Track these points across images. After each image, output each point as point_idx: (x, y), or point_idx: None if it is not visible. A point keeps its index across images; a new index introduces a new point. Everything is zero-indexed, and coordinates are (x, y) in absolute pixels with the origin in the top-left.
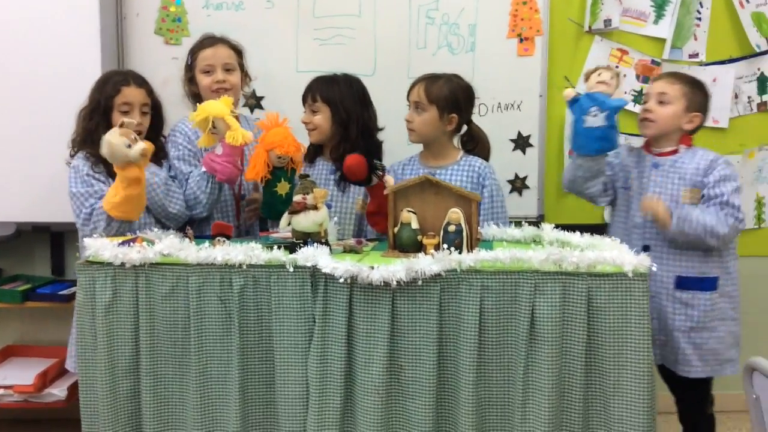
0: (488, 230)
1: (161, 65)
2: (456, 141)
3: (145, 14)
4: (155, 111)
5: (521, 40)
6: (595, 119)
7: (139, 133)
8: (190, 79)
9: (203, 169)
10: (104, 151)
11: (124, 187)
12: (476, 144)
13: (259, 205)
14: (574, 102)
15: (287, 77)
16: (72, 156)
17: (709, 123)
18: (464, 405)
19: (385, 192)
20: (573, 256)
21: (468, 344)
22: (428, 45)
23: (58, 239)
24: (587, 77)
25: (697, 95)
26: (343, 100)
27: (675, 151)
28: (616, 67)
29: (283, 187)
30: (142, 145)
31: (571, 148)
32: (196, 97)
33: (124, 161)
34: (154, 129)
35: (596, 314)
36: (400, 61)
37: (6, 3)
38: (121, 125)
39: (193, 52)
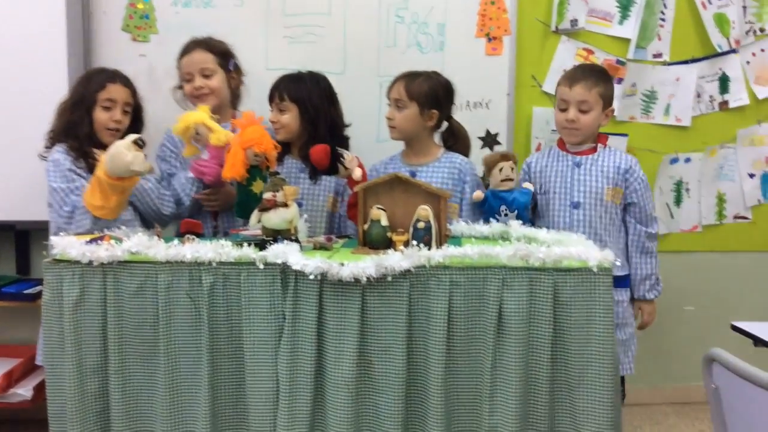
0: (457, 227)
1: (129, 62)
2: (437, 138)
3: (112, 11)
4: (136, 114)
5: (489, 40)
6: (507, 219)
7: (117, 131)
8: (181, 87)
9: (190, 174)
10: (136, 166)
11: (117, 194)
12: (456, 140)
13: (221, 197)
14: (483, 202)
15: (257, 75)
16: (48, 148)
17: (672, 121)
18: (433, 399)
19: (354, 189)
20: (540, 252)
21: (437, 339)
22: (398, 43)
23: (23, 238)
24: (489, 170)
25: (609, 89)
26: (311, 98)
27: (594, 150)
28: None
29: (258, 186)
30: (150, 165)
31: None
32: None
33: (130, 175)
34: (134, 131)
35: (562, 309)
36: (370, 59)
37: None
38: (135, 141)
39: (178, 59)
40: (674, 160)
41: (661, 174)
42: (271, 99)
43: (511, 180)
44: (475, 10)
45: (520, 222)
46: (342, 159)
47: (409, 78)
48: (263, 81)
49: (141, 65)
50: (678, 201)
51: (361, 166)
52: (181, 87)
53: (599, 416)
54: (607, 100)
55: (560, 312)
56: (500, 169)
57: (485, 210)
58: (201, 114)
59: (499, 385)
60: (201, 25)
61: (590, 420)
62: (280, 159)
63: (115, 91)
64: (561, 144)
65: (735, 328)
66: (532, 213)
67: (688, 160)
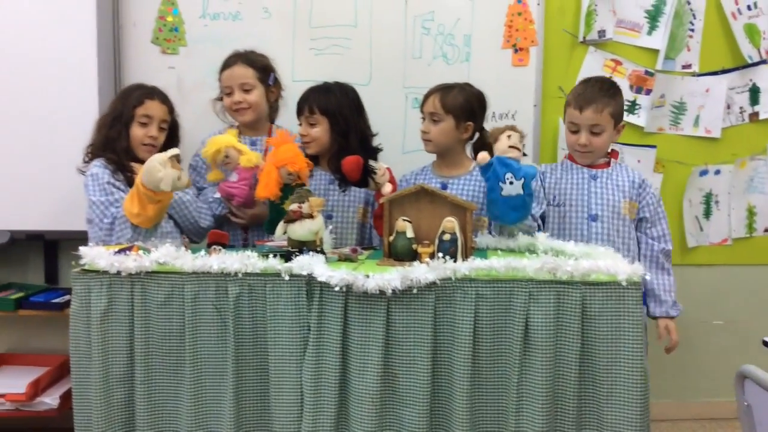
0: (483, 239)
1: (158, 74)
2: (468, 149)
3: (142, 24)
4: (172, 131)
5: (516, 51)
6: (512, 187)
7: (152, 147)
8: (221, 98)
9: (217, 194)
10: (165, 185)
11: (154, 204)
12: (489, 152)
13: (248, 218)
14: (488, 167)
15: (283, 87)
16: (86, 162)
17: (701, 133)
18: (458, 413)
19: (380, 201)
20: (567, 265)
21: (462, 352)
22: (424, 55)
23: (52, 247)
24: (495, 138)
25: (618, 105)
26: (341, 110)
27: (607, 165)
28: (610, 77)
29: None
30: (188, 179)
31: (488, 216)
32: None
33: (164, 189)
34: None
35: (590, 323)
36: (395, 70)
37: (3, 13)
38: (172, 157)
39: (219, 71)
40: (704, 172)
41: (691, 186)
42: (299, 112)
43: (518, 150)
44: (501, 21)
45: (525, 192)
46: (374, 173)
47: (444, 91)
48: (290, 92)
49: (170, 77)
50: (707, 214)
51: (392, 180)
52: (220, 99)
53: None
54: (618, 117)
55: (588, 326)
56: (508, 136)
57: (489, 177)
58: (230, 137)
59: (526, 399)
60: (229, 38)
61: None
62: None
63: (152, 107)
64: (572, 157)
65: (766, 344)
66: (542, 225)
67: (717, 172)
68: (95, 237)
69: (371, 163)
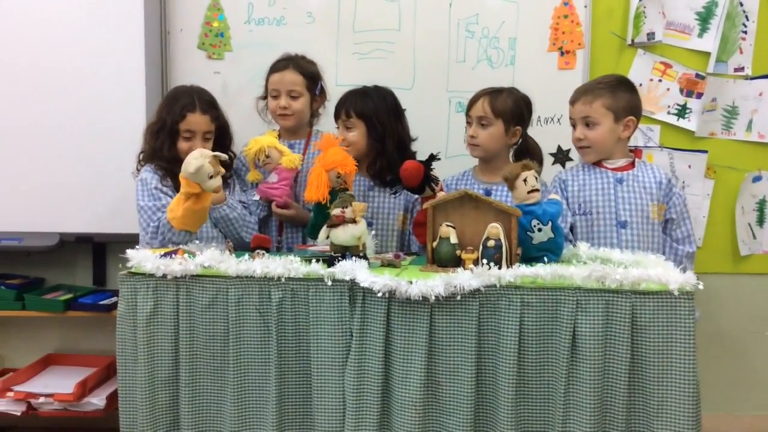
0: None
1: (204, 80)
2: (510, 154)
3: (188, 29)
4: (222, 131)
5: (562, 54)
6: (542, 234)
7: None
8: (264, 98)
9: (256, 197)
10: (190, 167)
11: (185, 200)
12: (532, 156)
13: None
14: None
15: (329, 97)
16: (139, 168)
17: (754, 138)
18: (503, 423)
19: (424, 206)
20: (617, 274)
21: (507, 361)
22: (467, 59)
23: (100, 250)
24: (512, 183)
25: (621, 98)
26: (377, 114)
27: (632, 165)
28: (659, 80)
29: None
30: (217, 184)
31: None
32: None
33: (197, 182)
34: (221, 149)
35: (640, 333)
36: (439, 74)
37: (53, 20)
38: (216, 156)
39: (268, 72)
40: (757, 179)
41: (743, 193)
42: (337, 116)
43: (538, 191)
44: (547, 24)
45: (554, 234)
46: (434, 182)
47: (493, 94)
48: (333, 97)
49: (215, 82)
50: (761, 221)
51: (442, 190)
52: (264, 98)
53: None
54: (619, 110)
55: (638, 337)
56: (525, 180)
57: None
58: (271, 138)
59: (573, 411)
60: (273, 43)
61: None
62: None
63: (193, 121)
64: (597, 163)
65: None
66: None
67: None
68: (142, 240)
69: (433, 173)
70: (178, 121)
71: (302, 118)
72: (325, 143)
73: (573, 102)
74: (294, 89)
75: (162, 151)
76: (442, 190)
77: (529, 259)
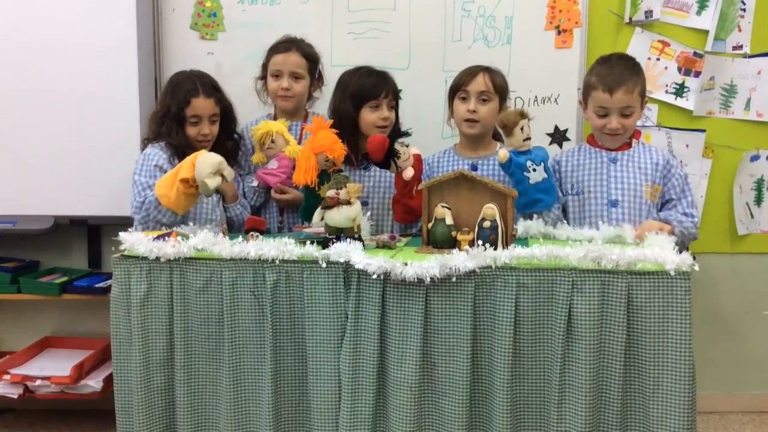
0: (562, 230)
1: (197, 60)
2: None
3: (180, 10)
4: (225, 113)
5: (559, 32)
6: (537, 174)
7: (209, 140)
8: (262, 77)
9: (254, 183)
10: (203, 170)
11: (183, 187)
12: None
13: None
14: (508, 163)
15: (325, 81)
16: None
17: (752, 117)
18: (499, 404)
19: (419, 187)
20: (612, 254)
21: (503, 342)
22: (464, 38)
23: (95, 232)
24: (510, 130)
25: (644, 81)
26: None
27: (629, 145)
28: (657, 59)
29: (325, 191)
30: (217, 184)
31: (520, 211)
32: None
33: (200, 184)
34: (225, 131)
35: (636, 313)
36: (434, 54)
37: (44, 3)
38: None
39: (269, 52)
40: (755, 158)
41: (741, 172)
42: (377, 96)
43: (530, 139)
44: (544, 2)
45: (547, 175)
46: (397, 156)
47: (490, 70)
48: (328, 77)
49: (209, 63)
50: (759, 200)
51: (418, 166)
52: (263, 78)
53: (675, 426)
54: (643, 95)
55: (634, 317)
56: (521, 128)
57: (512, 171)
58: (281, 125)
59: (568, 391)
60: (267, 23)
61: (665, 429)
62: (358, 162)
63: (198, 106)
64: (592, 140)
65: None
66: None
67: None
68: (131, 211)
69: (396, 146)
70: (183, 107)
71: (302, 100)
72: (316, 126)
73: (611, 91)
74: (297, 71)
75: (170, 136)
76: (418, 167)
77: (529, 203)
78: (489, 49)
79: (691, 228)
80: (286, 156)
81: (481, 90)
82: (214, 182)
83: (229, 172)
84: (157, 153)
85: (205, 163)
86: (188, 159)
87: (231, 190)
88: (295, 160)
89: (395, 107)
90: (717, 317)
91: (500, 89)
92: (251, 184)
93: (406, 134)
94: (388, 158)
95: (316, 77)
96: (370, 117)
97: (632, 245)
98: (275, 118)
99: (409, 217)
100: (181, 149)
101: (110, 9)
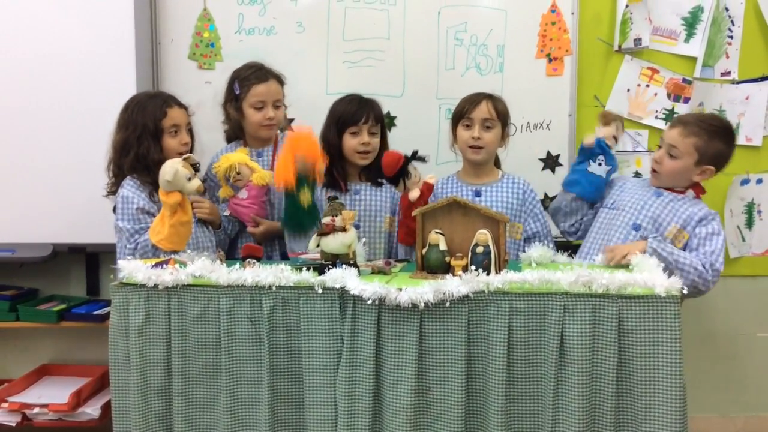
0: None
1: (195, 90)
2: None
3: (179, 40)
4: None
5: (550, 60)
6: (600, 168)
7: (191, 151)
8: (237, 108)
9: (226, 211)
10: (167, 175)
11: (170, 215)
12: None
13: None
14: (589, 146)
15: (317, 100)
16: (112, 183)
17: (742, 141)
18: (493, 427)
19: (413, 214)
20: (603, 278)
21: (497, 366)
22: (457, 66)
23: (93, 260)
24: (607, 120)
25: (713, 146)
26: (383, 120)
27: (682, 192)
28: (646, 86)
29: (305, 197)
30: (198, 183)
31: (565, 185)
32: (235, 124)
33: (177, 189)
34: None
35: (627, 336)
36: (428, 82)
37: (43, 31)
38: (187, 158)
39: (244, 82)
40: (745, 182)
41: (732, 196)
42: (357, 121)
43: (617, 140)
44: (535, 31)
45: (605, 177)
46: (407, 177)
47: (492, 97)
48: (323, 105)
49: (207, 92)
50: (750, 223)
51: (426, 190)
52: (236, 103)
53: None
54: (705, 156)
55: (625, 340)
56: (616, 128)
57: (587, 154)
58: (242, 155)
59: (562, 415)
60: (264, 52)
61: None
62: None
63: (176, 115)
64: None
65: None
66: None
67: (759, 181)
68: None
69: (410, 167)
70: (160, 119)
71: (278, 127)
72: (296, 132)
73: (672, 126)
74: (279, 99)
75: (149, 155)
76: (426, 191)
77: (572, 182)
78: (482, 77)
79: (686, 262)
80: (254, 185)
81: (484, 117)
82: (192, 182)
83: (190, 160)
84: (136, 194)
85: (164, 169)
86: (164, 199)
87: (216, 216)
88: (265, 186)
89: (379, 133)
90: (710, 340)
91: (502, 116)
92: (224, 213)
93: (423, 159)
94: (399, 176)
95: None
96: (350, 142)
97: (623, 270)
98: (246, 144)
99: (411, 239)
100: (155, 182)
101: (109, 39)
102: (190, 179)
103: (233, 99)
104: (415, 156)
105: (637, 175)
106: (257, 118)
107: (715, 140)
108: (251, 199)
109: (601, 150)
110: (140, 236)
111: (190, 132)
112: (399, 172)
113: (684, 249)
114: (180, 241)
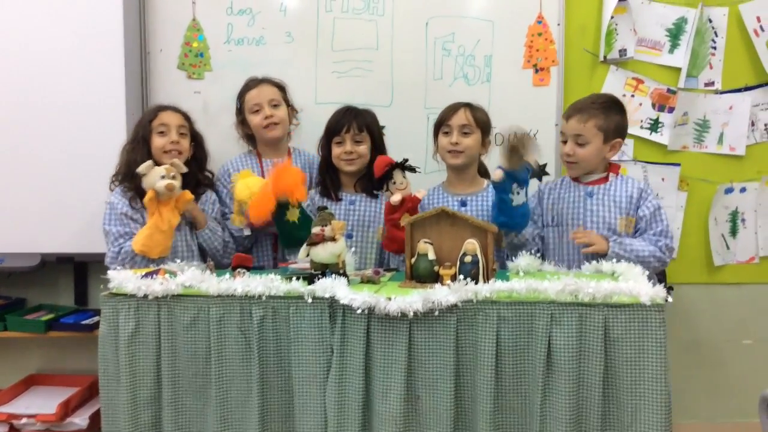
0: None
1: (184, 99)
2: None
3: (168, 50)
4: (197, 144)
5: (537, 71)
6: (519, 197)
7: (179, 153)
8: (242, 121)
9: (247, 231)
10: (142, 169)
11: (149, 216)
12: (485, 171)
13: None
14: (500, 183)
15: (307, 109)
16: (111, 190)
17: (725, 150)
18: None
19: (402, 224)
20: (589, 287)
21: (485, 374)
22: (444, 76)
23: (81, 269)
24: (514, 150)
25: (612, 121)
26: (377, 130)
27: (605, 179)
28: (631, 96)
29: (292, 214)
30: (169, 182)
31: (499, 228)
32: (249, 138)
33: (151, 186)
34: (197, 162)
35: (613, 345)
36: (417, 92)
37: (33, 41)
38: (172, 163)
39: (241, 96)
40: (729, 190)
41: (716, 204)
42: (340, 130)
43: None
44: (522, 42)
45: (526, 199)
46: (392, 181)
47: (471, 106)
48: (313, 115)
49: (196, 102)
50: (734, 232)
51: (410, 201)
52: (242, 121)
53: None
54: (609, 132)
55: (611, 348)
56: (524, 147)
57: (501, 190)
58: (249, 187)
59: (549, 422)
60: (253, 62)
61: None
62: (338, 196)
63: (166, 116)
64: (573, 176)
65: None
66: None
67: (743, 189)
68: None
69: (397, 172)
70: (150, 120)
71: (286, 127)
72: (279, 167)
73: (567, 118)
74: (274, 98)
75: (137, 162)
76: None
77: (509, 225)
78: (469, 87)
79: (645, 253)
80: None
81: (462, 123)
82: (163, 181)
83: (175, 165)
84: (120, 200)
85: (142, 167)
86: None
87: (200, 216)
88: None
89: (365, 141)
90: (697, 347)
91: (482, 123)
92: (246, 233)
93: (413, 169)
94: (384, 179)
95: (290, 105)
96: (335, 151)
97: (608, 278)
98: (258, 155)
99: (393, 245)
100: (139, 190)
101: (98, 49)
102: (163, 177)
103: (239, 114)
104: (404, 163)
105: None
106: (257, 120)
107: (611, 114)
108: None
109: (511, 179)
110: (125, 241)
111: (194, 138)
112: (384, 175)
113: (635, 233)
114: (153, 247)
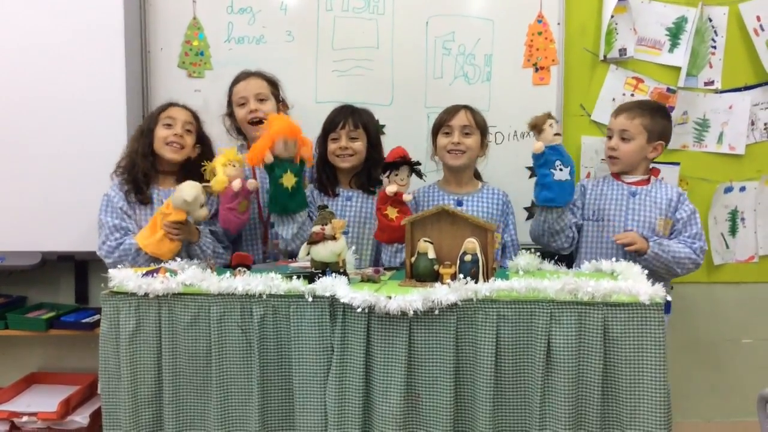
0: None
1: (185, 98)
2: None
3: (168, 48)
4: (204, 145)
5: (537, 70)
6: (562, 173)
7: (180, 147)
8: (230, 114)
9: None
10: (188, 197)
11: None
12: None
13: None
14: (540, 155)
15: (306, 108)
16: (113, 178)
17: (725, 150)
18: None
19: (402, 222)
20: (588, 286)
21: (485, 373)
22: (445, 75)
23: (82, 268)
24: (538, 129)
25: (658, 124)
26: (374, 127)
27: (647, 181)
28: (631, 95)
29: (288, 180)
30: (206, 212)
31: (538, 202)
32: (238, 130)
33: (187, 209)
34: (202, 159)
35: (612, 343)
36: (417, 91)
37: (34, 40)
38: (206, 187)
39: (230, 89)
40: (728, 189)
41: (716, 203)
42: (336, 127)
43: (560, 135)
44: (522, 41)
45: (571, 178)
46: (396, 173)
47: (469, 108)
48: (313, 114)
49: (196, 100)
50: (733, 231)
51: (399, 195)
52: (230, 114)
53: None
54: (653, 133)
55: (610, 347)
56: (551, 125)
57: (541, 164)
58: (220, 158)
59: (549, 420)
60: (253, 61)
61: None
62: (334, 192)
63: (175, 111)
64: (615, 175)
65: None
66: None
67: (743, 188)
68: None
69: (404, 169)
70: (158, 114)
71: None
72: (276, 115)
73: (616, 115)
74: (261, 92)
75: (138, 152)
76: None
77: (549, 198)
78: (469, 86)
79: (681, 255)
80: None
81: (463, 124)
82: (203, 210)
83: (209, 190)
84: (117, 194)
85: (185, 187)
86: (166, 211)
87: (195, 237)
88: (228, 190)
89: (361, 138)
90: (696, 346)
91: (481, 125)
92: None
93: (419, 174)
94: (390, 167)
95: (280, 101)
96: (330, 147)
97: (608, 277)
98: (249, 147)
99: (384, 235)
100: (136, 185)
101: (99, 47)
102: (202, 206)
103: (228, 106)
104: (415, 164)
105: None
106: (242, 114)
107: (657, 117)
108: (222, 205)
109: (554, 155)
110: (121, 236)
111: (201, 140)
112: (392, 164)
113: (671, 235)
114: (165, 252)
